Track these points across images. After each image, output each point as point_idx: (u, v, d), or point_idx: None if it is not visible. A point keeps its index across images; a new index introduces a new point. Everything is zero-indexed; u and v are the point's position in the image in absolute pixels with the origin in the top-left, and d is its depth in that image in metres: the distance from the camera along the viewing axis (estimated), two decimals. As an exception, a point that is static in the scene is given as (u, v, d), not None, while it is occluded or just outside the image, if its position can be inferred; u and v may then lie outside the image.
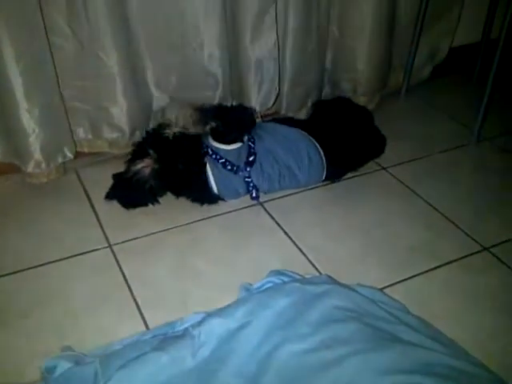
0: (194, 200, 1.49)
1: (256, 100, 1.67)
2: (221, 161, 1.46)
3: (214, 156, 1.46)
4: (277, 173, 1.49)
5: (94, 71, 1.49)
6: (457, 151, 1.75)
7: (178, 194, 1.50)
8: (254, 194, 1.50)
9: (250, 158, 1.47)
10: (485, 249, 1.37)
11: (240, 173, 1.47)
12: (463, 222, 1.45)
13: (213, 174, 1.46)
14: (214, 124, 1.49)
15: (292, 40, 1.62)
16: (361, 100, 1.86)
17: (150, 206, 1.48)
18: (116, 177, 1.50)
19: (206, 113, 1.53)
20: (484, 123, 1.75)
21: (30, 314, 1.18)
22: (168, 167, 1.44)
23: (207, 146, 1.48)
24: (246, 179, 1.48)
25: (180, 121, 1.53)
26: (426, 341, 1.05)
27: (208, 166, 1.46)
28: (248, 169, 1.47)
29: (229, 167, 1.46)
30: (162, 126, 1.51)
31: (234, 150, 1.48)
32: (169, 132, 1.48)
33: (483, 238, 1.40)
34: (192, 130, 1.51)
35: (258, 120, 1.69)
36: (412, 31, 1.90)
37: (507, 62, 1.67)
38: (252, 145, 1.49)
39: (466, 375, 0.99)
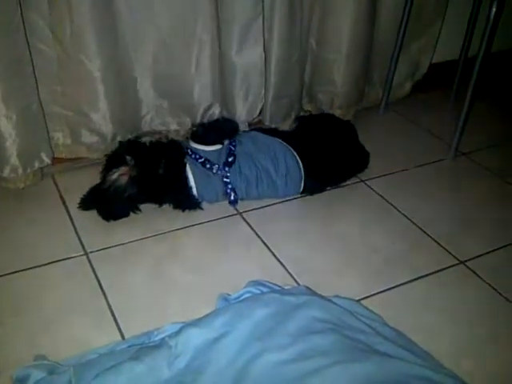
0: (176, 206, 1.49)
1: (242, 109, 1.69)
2: (200, 160, 1.47)
3: (193, 156, 1.48)
4: (254, 176, 1.50)
5: (76, 76, 1.47)
6: (434, 166, 1.77)
7: (159, 201, 1.49)
8: (232, 197, 1.50)
9: (230, 159, 1.48)
10: (461, 262, 1.38)
11: (219, 172, 1.47)
12: (440, 235, 1.47)
13: (192, 174, 1.46)
14: (194, 128, 1.54)
15: (277, 50, 1.63)
16: (336, 113, 1.87)
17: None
18: (93, 190, 1.47)
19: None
20: (461, 138, 1.77)
21: (1, 322, 1.15)
22: (147, 173, 1.43)
23: (187, 148, 1.50)
24: (225, 179, 1.48)
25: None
26: (403, 352, 1.06)
27: (188, 165, 1.47)
28: (227, 169, 1.47)
29: (208, 166, 1.47)
30: (137, 137, 1.55)
31: (213, 151, 1.50)
32: (145, 140, 1.50)
33: (459, 252, 1.41)
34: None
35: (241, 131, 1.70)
36: (392, 46, 1.93)
37: (485, 78, 1.69)
38: (232, 148, 1.51)
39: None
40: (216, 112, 1.72)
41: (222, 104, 1.72)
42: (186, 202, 1.49)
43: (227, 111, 1.71)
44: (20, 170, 1.48)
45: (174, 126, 1.72)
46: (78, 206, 1.46)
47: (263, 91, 1.69)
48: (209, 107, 1.70)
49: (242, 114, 1.69)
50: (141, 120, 1.68)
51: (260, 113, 1.74)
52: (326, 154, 1.57)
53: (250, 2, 1.51)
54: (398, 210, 1.55)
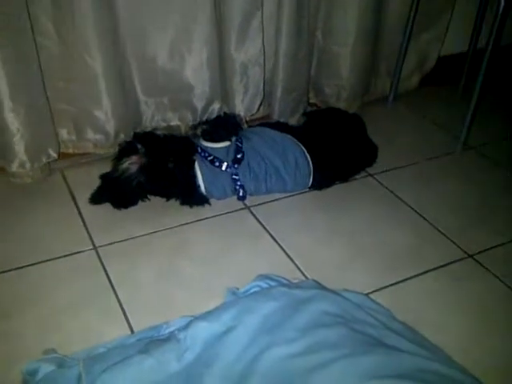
0: (183, 202, 1.49)
1: (241, 105, 1.68)
2: (209, 158, 1.47)
3: (202, 154, 1.48)
4: (263, 172, 1.49)
5: (79, 73, 1.48)
6: (443, 159, 1.77)
7: (167, 195, 1.50)
8: (240, 194, 1.50)
9: (238, 156, 1.48)
10: (469, 256, 1.38)
11: (228, 169, 1.47)
12: (448, 228, 1.46)
13: (201, 172, 1.47)
14: (204, 127, 1.54)
15: (285, 45, 1.62)
16: (343, 105, 1.87)
17: (137, 208, 1.47)
18: (103, 178, 1.49)
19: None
20: (470, 131, 1.77)
21: (12, 315, 1.16)
22: (156, 164, 1.44)
23: (197, 145, 1.50)
24: (234, 176, 1.48)
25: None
26: (411, 346, 1.05)
27: (196, 163, 1.47)
28: (236, 166, 1.48)
29: (217, 163, 1.47)
30: (154, 129, 1.58)
31: (221, 148, 1.50)
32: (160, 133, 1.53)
33: (468, 245, 1.41)
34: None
35: (244, 126, 1.70)
36: (400, 38, 1.91)
37: (493, 71, 1.68)
38: (240, 144, 1.51)
39: (451, 381, 0.99)
40: (216, 108, 1.71)
41: (223, 100, 1.71)
42: (193, 198, 1.49)
43: (227, 107, 1.71)
44: (28, 165, 1.49)
45: (175, 121, 1.71)
46: (89, 200, 1.47)
47: (262, 87, 1.68)
48: (209, 103, 1.70)
49: (241, 109, 1.68)
50: (142, 116, 1.68)
51: (259, 109, 1.73)
52: (334, 149, 1.56)
53: (250, -3, 1.50)
54: (407, 204, 1.55)
